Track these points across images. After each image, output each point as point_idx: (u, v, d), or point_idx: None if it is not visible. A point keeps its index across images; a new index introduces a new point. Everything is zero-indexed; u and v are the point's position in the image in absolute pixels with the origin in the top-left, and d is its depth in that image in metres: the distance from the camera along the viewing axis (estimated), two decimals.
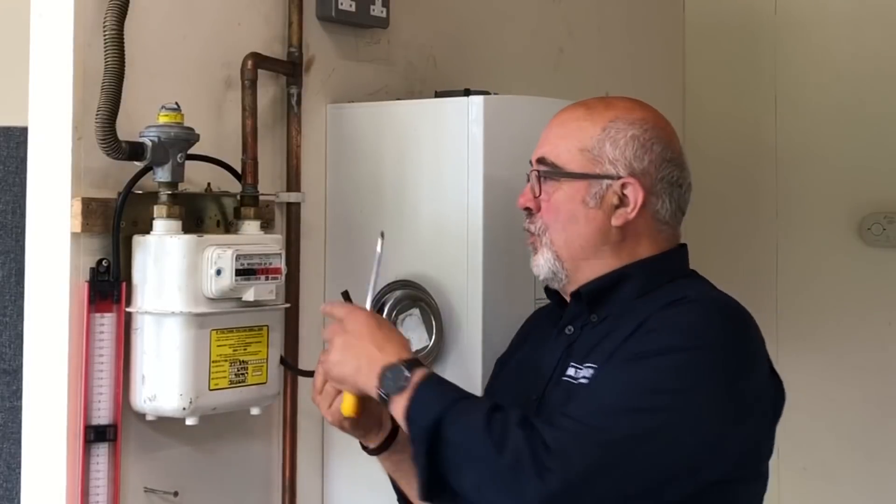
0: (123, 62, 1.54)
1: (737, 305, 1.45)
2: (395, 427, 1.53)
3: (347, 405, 1.46)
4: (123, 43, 1.55)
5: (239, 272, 1.58)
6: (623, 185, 1.45)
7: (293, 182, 1.90)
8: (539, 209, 1.50)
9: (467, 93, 1.86)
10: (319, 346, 1.96)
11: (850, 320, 2.99)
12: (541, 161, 1.50)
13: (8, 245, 1.77)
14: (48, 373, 1.58)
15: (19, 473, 1.65)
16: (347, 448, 1.94)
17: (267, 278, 1.62)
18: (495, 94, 1.87)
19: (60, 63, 1.58)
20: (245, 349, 1.65)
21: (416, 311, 1.83)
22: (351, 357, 1.43)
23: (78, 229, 1.56)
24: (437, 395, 1.37)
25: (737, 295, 1.47)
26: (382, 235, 1.53)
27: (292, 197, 1.88)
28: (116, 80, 1.54)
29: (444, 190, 1.83)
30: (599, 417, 1.31)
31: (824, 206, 3.03)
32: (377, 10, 2.03)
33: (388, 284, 1.86)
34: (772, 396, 1.44)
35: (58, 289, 1.57)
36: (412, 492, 1.54)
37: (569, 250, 1.48)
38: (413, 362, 1.41)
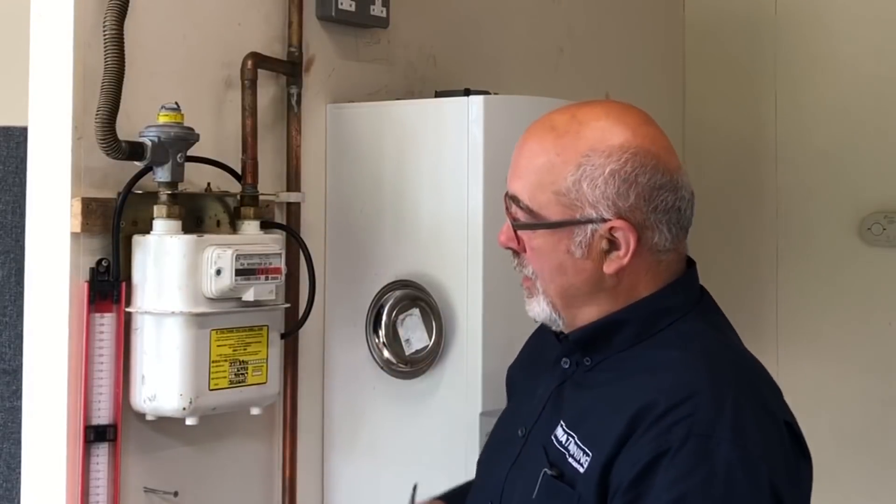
0: (123, 62, 1.54)
1: (756, 390, 1.26)
2: None
3: None
4: (123, 43, 1.55)
5: (239, 272, 1.58)
6: (611, 229, 1.26)
7: (293, 182, 1.90)
8: (525, 250, 1.33)
9: (467, 93, 1.86)
10: (319, 346, 1.96)
11: (850, 320, 2.99)
12: (514, 200, 1.32)
13: (8, 245, 1.77)
14: (48, 373, 1.58)
15: (19, 473, 1.65)
16: (347, 448, 1.95)
17: (267, 278, 1.62)
18: (495, 94, 1.87)
19: (60, 63, 1.58)
20: (245, 349, 1.65)
21: (416, 311, 1.83)
22: None
23: (78, 229, 1.56)
24: None
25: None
26: (415, 488, 1.49)
27: (292, 197, 1.88)
28: (116, 80, 1.54)
29: (444, 190, 1.83)
30: None
31: (824, 206, 3.03)
32: (377, 9, 2.03)
33: (388, 284, 1.87)
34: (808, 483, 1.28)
35: (58, 289, 1.57)
36: None
37: (563, 300, 1.33)
38: None
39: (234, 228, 1.73)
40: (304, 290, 1.86)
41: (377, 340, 1.87)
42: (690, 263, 1.38)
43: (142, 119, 1.59)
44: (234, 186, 1.75)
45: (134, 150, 1.55)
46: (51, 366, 1.58)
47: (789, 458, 1.24)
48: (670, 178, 1.28)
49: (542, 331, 1.49)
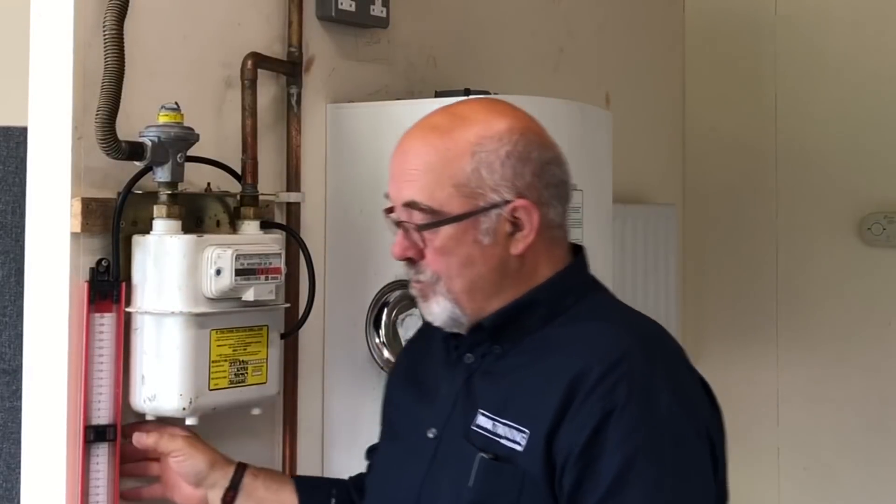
0: (123, 62, 1.54)
1: (661, 348, 1.33)
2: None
3: None
4: (123, 43, 1.54)
5: (239, 272, 1.58)
6: (513, 210, 1.31)
7: (293, 182, 1.90)
8: (423, 257, 1.35)
9: (467, 93, 1.86)
10: (319, 346, 1.96)
11: (850, 320, 3.00)
12: (411, 205, 1.34)
13: (8, 245, 1.77)
14: (48, 373, 1.58)
15: (19, 473, 1.65)
16: (347, 448, 1.94)
17: (267, 278, 1.62)
18: (495, 94, 1.87)
19: (60, 63, 1.58)
20: (245, 349, 1.65)
21: (416, 311, 1.83)
22: None
23: (78, 229, 1.56)
24: None
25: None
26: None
27: (292, 197, 1.88)
28: (116, 80, 1.54)
29: None
30: None
31: (824, 206, 3.03)
32: (377, 10, 2.03)
33: (388, 284, 1.87)
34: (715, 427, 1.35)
35: (58, 289, 1.57)
36: None
37: (470, 294, 1.34)
38: None
39: (234, 228, 1.73)
40: (304, 290, 1.86)
41: (377, 340, 1.87)
42: (578, 249, 1.43)
43: (142, 119, 1.59)
44: (234, 186, 1.75)
45: (134, 150, 1.55)
46: (51, 366, 1.58)
47: (711, 408, 1.33)
48: (555, 154, 1.36)
49: (417, 344, 1.56)
